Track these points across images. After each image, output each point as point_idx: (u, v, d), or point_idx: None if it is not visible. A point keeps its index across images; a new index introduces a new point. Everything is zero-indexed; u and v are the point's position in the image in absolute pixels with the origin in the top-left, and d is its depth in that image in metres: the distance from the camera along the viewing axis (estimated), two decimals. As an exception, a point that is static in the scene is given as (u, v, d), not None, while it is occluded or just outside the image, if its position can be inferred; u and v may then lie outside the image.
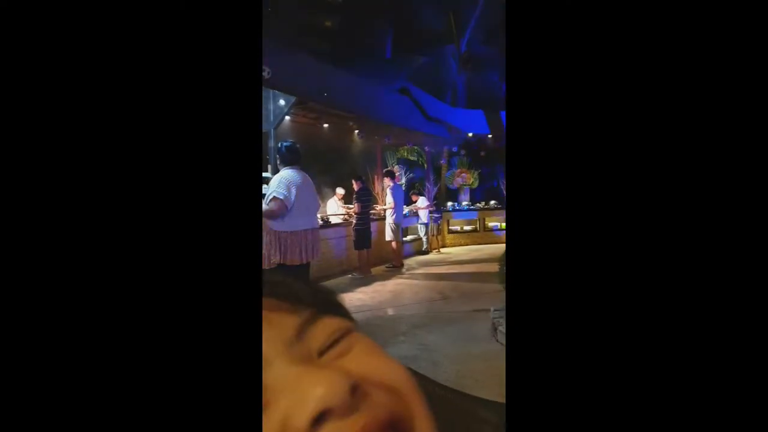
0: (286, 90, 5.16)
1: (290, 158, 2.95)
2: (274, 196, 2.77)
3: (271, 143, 5.35)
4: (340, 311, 0.29)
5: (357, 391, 0.21)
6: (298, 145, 3.08)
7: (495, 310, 3.58)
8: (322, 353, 0.24)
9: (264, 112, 5.33)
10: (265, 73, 3.81)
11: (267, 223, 2.80)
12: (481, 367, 2.67)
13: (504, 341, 3.10)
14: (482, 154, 10.32)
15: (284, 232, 2.84)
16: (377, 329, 3.48)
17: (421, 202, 7.90)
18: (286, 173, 2.89)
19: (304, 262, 2.94)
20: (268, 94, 5.22)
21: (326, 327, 0.25)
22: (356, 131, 7.48)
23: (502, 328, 3.15)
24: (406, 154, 9.43)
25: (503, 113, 10.02)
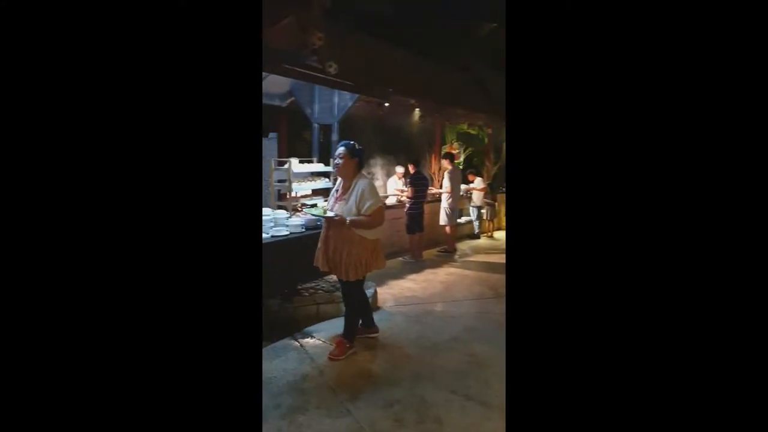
0: (354, 83, 5.00)
1: (363, 162, 3.05)
2: (380, 205, 2.89)
3: (335, 137, 5.37)
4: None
5: None
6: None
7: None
8: None
9: (330, 105, 5.33)
10: (331, 69, 3.78)
11: (369, 233, 2.92)
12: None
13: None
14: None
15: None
16: (427, 329, 3.55)
17: (478, 182, 7.70)
18: (373, 182, 3.03)
19: None
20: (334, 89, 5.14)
21: None
22: (416, 110, 7.31)
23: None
24: (465, 127, 9.12)
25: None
